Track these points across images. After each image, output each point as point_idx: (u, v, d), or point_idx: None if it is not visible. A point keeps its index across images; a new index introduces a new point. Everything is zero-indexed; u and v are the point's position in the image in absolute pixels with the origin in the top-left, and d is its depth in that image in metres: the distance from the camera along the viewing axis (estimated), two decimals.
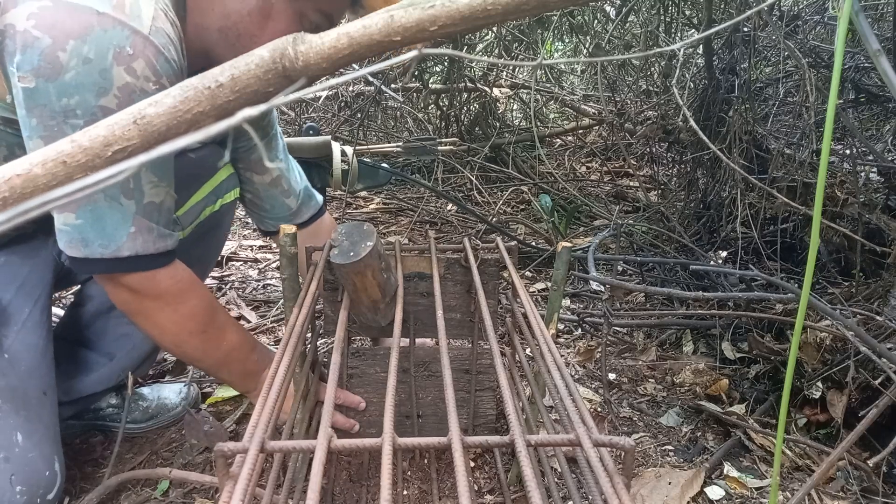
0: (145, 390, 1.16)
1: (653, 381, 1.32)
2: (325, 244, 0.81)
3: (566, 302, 1.68)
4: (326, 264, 0.80)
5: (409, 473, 1.00)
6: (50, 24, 0.65)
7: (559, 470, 0.90)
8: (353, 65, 0.47)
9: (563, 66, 3.07)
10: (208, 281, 1.67)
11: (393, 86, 2.60)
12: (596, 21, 2.46)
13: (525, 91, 2.91)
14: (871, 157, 1.52)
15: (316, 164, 1.42)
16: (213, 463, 1.01)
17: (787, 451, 1.07)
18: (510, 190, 2.51)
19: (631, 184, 2.72)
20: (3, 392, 0.82)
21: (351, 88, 2.64)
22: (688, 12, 2.18)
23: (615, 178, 2.81)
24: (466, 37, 2.46)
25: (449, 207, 2.39)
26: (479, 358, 0.99)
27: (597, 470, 0.41)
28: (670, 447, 1.11)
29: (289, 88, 0.46)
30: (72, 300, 1.14)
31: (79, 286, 1.14)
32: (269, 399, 0.49)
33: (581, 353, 1.40)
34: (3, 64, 0.68)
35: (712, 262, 1.62)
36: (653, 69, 2.62)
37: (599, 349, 1.37)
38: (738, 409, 1.19)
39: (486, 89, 2.65)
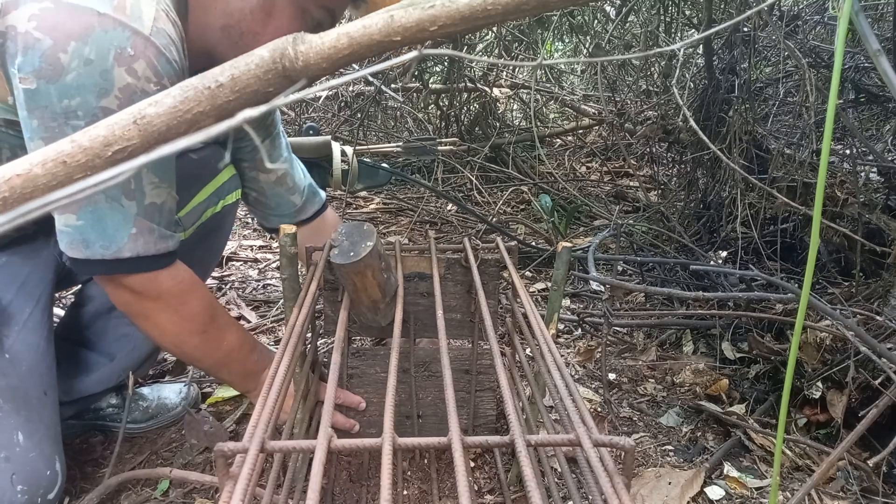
0: (145, 390, 1.16)
1: (653, 381, 1.32)
2: (325, 244, 0.81)
3: (566, 302, 1.68)
4: (326, 264, 0.80)
5: (409, 473, 1.00)
6: (51, 25, 0.65)
7: (559, 470, 0.90)
8: (353, 65, 0.47)
9: (563, 66, 3.07)
10: (208, 281, 1.67)
11: (393, 86, 2.60)
12: (596, 21, 2.46)
13: (525, 91, 2.91)
14: (871, 157, 1.52)
15: (316, 164, 1.42)
16: (213, 463, 1.01)
17: (787, 451, 1.07)
18: (510, 190, 2.52)
19: (631, 184, 2.72)
20: (4, 392, 0.82)
21: (351, 88, 2.64)
22: (688, 12, 2.18)
23: (615, 178, 2.81)
24: (466, 37, 2.46)
25: (449, 207, 2.39)
26: (480, 358, 0.99)
27: (597, 470, 0.41)
28: (670, 447, 1.11)
29: (289, 89, 0.46)
30: (72, 300, 1.14)
31: (79, 286, 1.14)
32: (269, 399, 0.49)
33: (581, 353, 1.40)
34: (4, 65, 0.68)
35: (712, 262, 1.62)
36: (653, 69, 2.62)
37: (599, 349, 1.37)
38: (738, 409, 1.19)
39: (486, 89, 2.66)
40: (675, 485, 0.98)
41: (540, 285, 1.78)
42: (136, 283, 0.82)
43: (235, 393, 1.18)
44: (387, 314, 0.85)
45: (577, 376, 1.33)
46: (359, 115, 2.62)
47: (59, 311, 1.23)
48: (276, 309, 1.59)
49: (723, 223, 1.69)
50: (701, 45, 1.74)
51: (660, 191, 2.40)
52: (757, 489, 1.01)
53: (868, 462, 0.98)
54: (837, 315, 1.04)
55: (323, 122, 2.80)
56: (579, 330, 1.50)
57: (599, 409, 1.20)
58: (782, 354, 1.18)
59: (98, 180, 0.23)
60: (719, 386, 1.24)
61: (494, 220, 2.16)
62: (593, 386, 1.29)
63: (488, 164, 2.55)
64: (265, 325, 1.51)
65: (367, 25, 0.44)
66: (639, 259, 1.73)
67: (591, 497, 0.45)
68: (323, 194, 1.22)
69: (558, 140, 3.28)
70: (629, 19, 2.36)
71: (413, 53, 0.37)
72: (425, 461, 1.02)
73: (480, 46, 2.80)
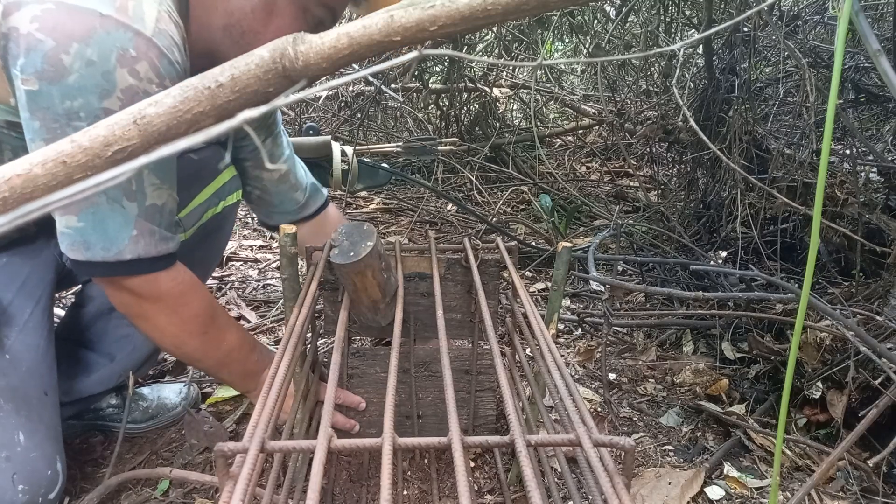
0: (145, 390, 1.16)
1: (653, 381, 1.32)
2: (325, 244, 0.81)
3: (566, 302, 1.68)
4: (326, 264, 0.80)
5: (409, 473, 1.00)
6: (53, 26, 0.65)
7: (559, 470, 0.90)
8: (353, 65, 0.48)
9: (563, 66, 3.07)
10: (208, 281, 1.67)
11: (393, 86, 2.60)
12: (596, 21, 2.46)
13: (525, 91, 2.91)
14: (871, 157, 1.52)
15: (316, 164, 1.42)
16: (213, 463, 1.01)
17: (787, 451, 1.07)
18: (510, 190, 2.52)
19: (631, 184, 2.72)
20: (5, 392, 0.82)
21: (351, 88, 2.64)
22: (688, 12, 2.18)
23: (615, 178, 2.81)
24: (466, 37, 2.46)
25: (449, 207, 2.39)
26: (480, 358, 0.99)
27: (597, 470, 0.41)
28: (670, 447, 1.11)
29: (289, 90, 0.46)
30: (73, 300, 1.14)
31: (80, 286, 1.14)
32: (269, 399, 0.49)
33: (581, 353, 1.40)
34: (6, 67, 0.68)
35: (712, 262, 1.62)
36: (653, 69, 2.62)
37: (599, 349, 1.37)
38: (738, 409, 1.19)
39: (486, 89, 2.66)
40: (675, 485, 0.98)
41: (540, 285, 1.78)
42: (137, 285, 0.82)
43: (235, 393, 1.18)
44: (387, 314, 0.85)
45: (577, 376, 1.33)
46: (359, 115, 2.62)
47: (59, 312, 1.23)
48: (276, 309, 1.59)
49: (723, 223, 1.70)
50: (701, 45, 1.74)
51: (660, 191, 2.40)
52: (757, 489, 1.01)
53: (868, 462, 0.98)
54: (837, 315, 1.04)
55: (323, 122, 2.80)
56: (579, 330, 1.50)
57: (599, 409, 1.20)
58: (782, 354, 1.18)
59: (98, 181, 0.23)
60: (719, 386, 1.24)
61: (494, 220, 2.16)
62: (593, 386, 1.29)
63: (488, 164, 2.55)
64: (265, 325, 1.51)
65: (367, 25, 0.44)
66: (639, 259, 1.73)
67: (591, 497, 0.45)
68: (325, 191, 1.22)
69: (558, 140, 3.28)
70: (629, 19, 2.36)
71: (413, 53, 0.37)
72: (425, 461, 1.02)
73: (480, 46, 2.80)
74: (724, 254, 1.67)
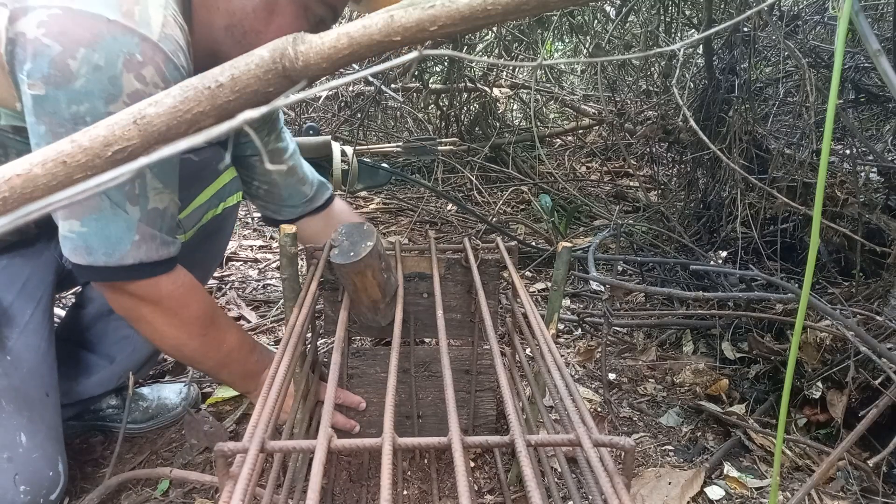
0: (145, 390, 1.16)
1: (653, 381, 1.32)
2: (325, 244, 0.81)
3: (566, 302, 1.68)
4: (326, 264, 0.80)
5: (409, 473, 1.00)
6: (60, 31, 0.65)
7: (559, 470, 0.90)
8: (353, 65, 0.48)
9: (563, 66, 3.07)
10: (209, 281, 1.67)
11: (393, 86, 2.60)
12: (596, 21, 2.46)
13: (525, 91, 2.91)
14: (871, 157, 1.52)
15: (316, 164, 1.41)
16: (213, 463, 1.01)
17: (787, 451, 1.07)
18: (510, 190, 2.52)
19: (631, 184, 2.72)
20: (7, 393, 0.82)
21: (351, 88, 2.64)
22: (688, 12, 2.18)
23: (615, 178, 2.81)
24: (466, 37, 2.46)
25: (449, 207, 2.39)
26: (480, 358, 0.99)
27: (597, 470, 0.41)
28: (670, 447, 1.11)
29: (289, 90, 0.46)
30: (73, 301, 1.14)
31: (80, 287, 1.14)
32: (269, 399, 0.49)
33: (581, 353, 1.40)
34: (12, 72, 0.68)
35: (712, 262, 1.62)
36: (653, 69, 2.62)
37: (599, 349, 1.37)
38: (738, 409, 1.19)
39: (486, 89, 2.66)
40: (675, 485, 0.98)
41: (540, 285, 1.78)
42: (137, 289, 0.82)
43: (235, 393, 1.18)
44: (387, 314, 0.85)
45: (577, 376, 1.33)
46: (359, 115, 2.62)
47: (59, 312, 1.23)
48: (276, 309, 1.59)
49: (723, 223, 1.70)
50: (701, 45, 1.74)
51: (660, 191, 2.40)
52: (757, 489, 1.01)
53: (868, 462, 0.98)
54: (837, 315, 1.04)
55: (323, 122, 2.80)
56: (579, 330, 1.50)
57: (599, 409, 1.20)
58: (782, 354, 1.18)
59: (99, 181, 0.23)
60: (719, 386, 1.24)
61: (494, 220, 2.16)
62: (593, 386, 1.29)
63: (488, 164, 2.55)
64: (265, 325, 1.51)
65: (367, 25, 0.44)
66: (639, 259, 1.74)
67: (591, 497, 0.45)
68: (329, 185, 1.22)
69: (558, 140, 3.28)
70: (629, 19, 2.36)
71: (413, 53, 0.37)
72: (425, 461, 1.02)
73: (480, 46, 2.80)
74: (724, 254, 1.67)
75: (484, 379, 1.00)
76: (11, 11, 0.66)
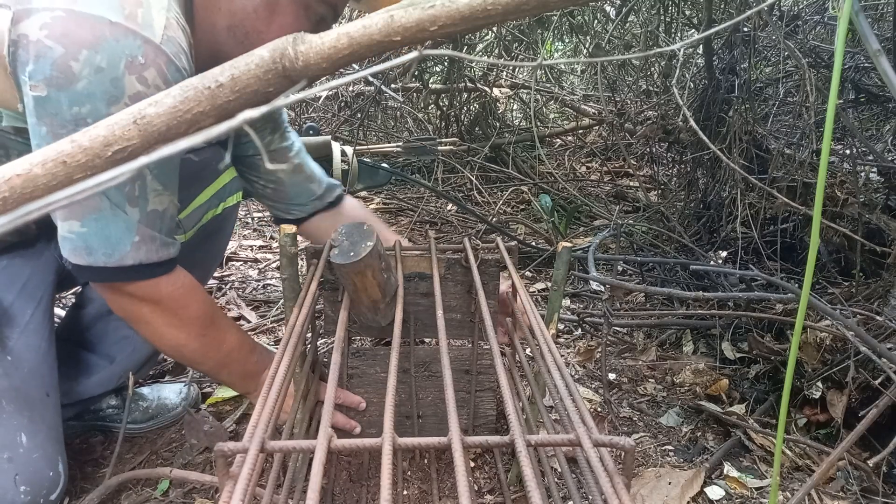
0: (145, 390, 1.16)
1: (653, 381, 1.32)
2: (325, 244, 0.81)
3: (566, 302, 1.68)
4: (326, 264, 0.80)
5: (409, 473, 1.00)
6: (62, 33, 0.65)
7: (559, 470, 0.90)
8: (353, 65, 0.48)
9: (563, 66, 3.07)
10: (209, 281, 1.67)
11: (393, 86, 2.60)
12: (596, 21, 2.46)
13: (525, 91, 2.91)
14: (871, 157, 1.52)
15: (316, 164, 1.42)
16: (213, 463, 1.01)
17: (787, 451, 1.07)
18: (510, 190, 2.52)
19: (631, 184, 2.72)
20: (7, 393, 0.82)
21: (351, 88, 2.64)
22: (688, 12, 2.18)
23: (615, 178, 2.81)
24: (466, 37, 2.46)
25: (449, 207, 2.39)
26: (480, 358, 0.99)
27: (597, 470, 0.41)
28: (670, 447, 1.11)
29: (289, 90, 0.46)
30: (73, 301, 1.14)
31: (80, 288, 1.14)
32: (269, 399, 0.49)
33: (581, 353, 1.40)
34: (15, 73, 0.68)
35: (712, 262, 1.62)
36: (653, 69, 2.62)
37: (599, 349, 1.37)
38: (738, 409, 1.19)
39: (486, 89, 2.66)
40: (675, 485, 0.98)
41: (540, 285, 1.78)
42: (137, 290, 0.82)
43: (235, 393, 1.18)
44: (387, 314, 0.85)
45: (577, 376, 1.33)
46: (359, 115, 2.62)
47: (59, 312, 1.23)
48: (276, 309, 1.59)
49: (723, 223, 1.70)
50: (701, 45, 1.74)
51: (660, 191, 2.40)
52: (757, 489, 1.01)
53: (868, 462, 0.98)
54: (837, 315, 1.04)
55: (323, 122, 2.80)
56: (579, 330, 1.50)
57: (599, 409, 1.20)
58: (782, 354, 1.18)
59: (98, 181, 0.23)
60: (719, 386, 1.24)
61: (494, 220, 2.16)
62: (593, 386, 1.29)
63: (488, 164, 2.55)
64: (265, 325, 1.51)
65: (367, 25, 0.44)
66: (639, 259, 1.74)
67: (591, 497, 0.45)
68: (339, 183, 1.21)
69: (558, 140, 3.28)
70: (629, 19, 2.36)
71: (413, 53, 0.37)
72: (425, 461, 1.02)
73: (480, 46, 2.80)
74: (724, 254, 1.67)
75: (484, 379, 1.00)
76: (14, 13, 0.66)
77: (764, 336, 1.25)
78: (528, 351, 1.00)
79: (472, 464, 1.03)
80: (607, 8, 2.47)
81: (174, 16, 0.71)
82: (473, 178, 2.42)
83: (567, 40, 3.10)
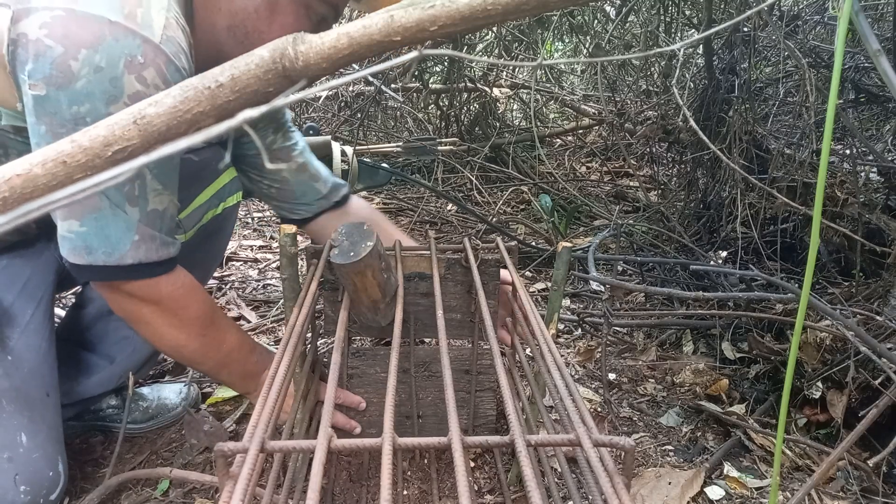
0: (145, 390, 1.16)
1: (653, 381, 1.32)
2: (325, 244, 0.81)
3: (566, 302, 1.68)
4: (326, 264, 0.80)
5: (409, 473, 1.00)
6: (62, 33, 0.65)
7: (559, 470, 0.90)
8: (353, 65, 0.48)
9: (563, 66, 3.07)
10: (208, 281, 1.67)
11: (393, 86, 2.60)
12: (596, 21, 2.46)
13: (525, 91, 2.91)
14: (871, 157, 1.52)
15: None
16: (213, 463, 1.01)
17: (787, 451, 1.07)
18: (510, 190, 2.52)
19: (631, 184, 2.72)
20: (8, 393, 0.82)
21: (351, 88, 2.64)
22: (688, 12, 2.18)
23: (615, 178, 2.81)
24: (466, 37, 2.46)
25: (449, 207, 2.39)
26: (480, 358, 0.99)
27: (597, 470, 0.41)
28: (670, 447, 1.11)
29: (289, 90, 0.46)
30: (73, 301, 1.14)
31: (80, 288, 1.14)
32: (269, 399, 0.49)
33: (581, 353, 1.40)
34: (14, 72, 0.69)
35: (712, 262, 1.62)
36: (653, 69, 2.62)
37: (599, 349, 1.37)
38: (738, 409, 1.19)
39: (486, 89, 2.66)
40: (675, 485, 0.98)
41: (540, 285, 1.78)
42: (137, 289, 0.82)
43: (235, 393, 1.18)
44: (387, 314, 0.85)
45: (577, 376, 1.33)
46: (359, 115, 2.62)
47: (59, 312, 1.23)
48: (276, 309, 1.59)
49: (723, 223, 1.70)
50: (701, 45, 1.74)
51: (660, 191, 2.40)
52: (757, 489, 1.01)
53: (868, 462, 0.98)
54: (837, 315, 1.04)
55: (323, 122, 2.80)
56: (579, 330, 1.50)
57: (599, 409, 1.20)
58: (782, 354, 1.18)
59: (98, 180, 0.23)
60: (719, 386, 1.24)
61: (494, 220, 2.16)
62: (593, 386, 1.29)
63: (488, 164, 2.55)
64: (265, 325, 1.51)
65: (367, 25, 0.44)
66: (639, 259, 1.74)
67: (591, 497, 0.45)
68: (345, 182, 1.20)
69: (558, 140, 3.28)
70: (629, 19, 2.36)
71: (413, 53, 0.37)
72: (425, 461, 1.02)
73: (480, 46, 2.80)
74: (724, 254, 1.67)
75: (484, 379, 1.00)
76: (14, 12, 0.66)
77: (764, 336, 1.25)
78: (528, 351, 1.00)
79: (472, 464, 1.03)
80: (607, 8, 2.47)
81: (174, 15, 0.71)
82: (473, 178, 2.42)
83: (567, 40, 3.10)
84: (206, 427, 1.08)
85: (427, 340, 1.12)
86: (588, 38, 2.46)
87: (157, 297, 0.83)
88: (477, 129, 2.75)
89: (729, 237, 1.67)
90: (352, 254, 0.74)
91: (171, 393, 1.16)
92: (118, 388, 1.10)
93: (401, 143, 1.87)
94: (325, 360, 1.06)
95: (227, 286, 1.73)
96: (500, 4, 0.43)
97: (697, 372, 1.30)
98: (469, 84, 2.63)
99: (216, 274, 1.80)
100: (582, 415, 0.48)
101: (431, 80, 2.81)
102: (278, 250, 1.16)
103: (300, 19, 0.80)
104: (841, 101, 1.53)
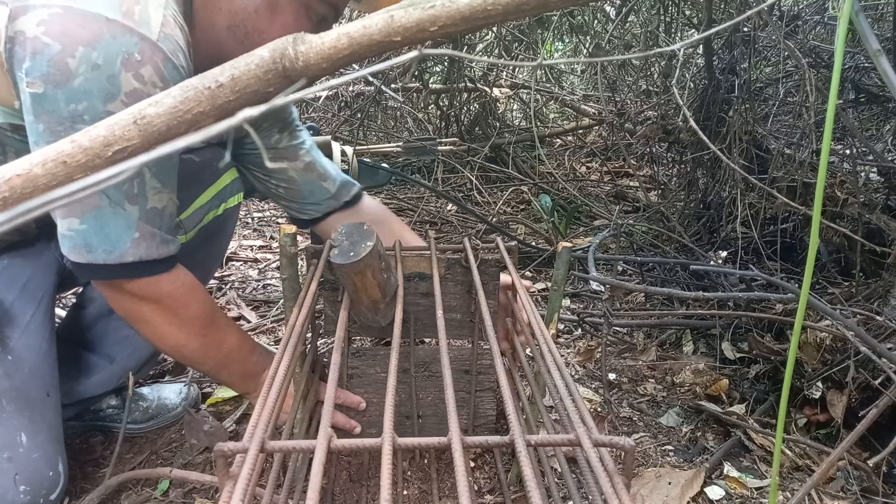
0: (145, 390, 1.16)
1: (653, 381, 1.32)
2: (325, 244, 0.81)
3: (566, 302, 1.68)
4: (326, 264, 0.80)
5: (409, 473, 1.00)
6: (60, 30, 0.65)
7: (559, 470, 0.90)
8: (353, 65, 0.47)
9: (563, 66, 3.07)
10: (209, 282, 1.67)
11: (393, 86, 2.60)
12: (596, 21, 2.46)
13: (525, 91, 2.91)
14: (871, 157, 1.52)
15: None
16: (213, 463, 1.01)
17: (787, 451, 1.07)
18: (510, 190, 2.52)
19: (631, 184, 2.72)
20: (8, 393, 0.82)
21: (351, 88, 2.64)
22: (688, 12, 2.18)
23: (615, 178, 2.81)
24: (466, 37, 2.46)
25: (449, 207, 2.39)
26: (480, 358, 0.99)
27: (597, 470, 0.41)
28: (670, 447, 1.11)
29: (289, 90, 0.46)
30: (73, 301, 1.14)
31: (81, 288, 1.14)
32: (269, 399, 0.49)
33: (581, 353, 1.40)
34: (12, 70, 0.69)
35: (712, 262, 1.63)
36: (653, 69, 2.62)
37: (599, 349, 1.37)
38: (738, 409, 1.19)
39: (486, 89, 2.66)
40: (675, 485, 0.98)
41: (540, 285, 1.78)
42: (137, 288, 0.82)
43: (235, 393, 1.18)
44: (387, 314, 0.85)
45: (577, 376, 1.33)
46: (359, 115, 2.62)
47: (59, 312, 1.23)
48: (276, 309, 1.59)
49: (723, 223, 1.70)
50: (701, 45, 1.74)
51: (660, 191, 2.40)
52: (757, 489, 1.01)
53: (868, 462, 0.98)
54: (837, 315, 1.04)
55: (323, 122, 2.80)
56: (579, 330, 1.50)
57: (599, 409, 1.20)
58: (782, 354, 1.18)
59: (98, 178, 0.23)
60: (719, 386, 1.24)
61: (494, 220, 2.16)
62: (593, 386, 1.29)
63: (488, 164, 2.55)
64: (265, 325, 1.51)
65: (367, 25, 0.44)
66: (639, 259, 1.74)
67: (591, 497, 0.45)
68: (356, 182, 1.18)
69: (558, 140, 3.28)
70: (629, 19, 2.37)
71: (413, 53, 0.37)
72: (425, 461, 1.02)
73: (480, 46, 2.80)
74: (724, 254, 1.67)
75: (484, 379, 1.00)
76: (12, 10, 0.66)
77: (764, 336, 1.25)
78: (528, 351, 1.00)
79: (472, 464, 1.03)
80: (607, 8, 2.47)
81: (171, 13, 0.71)
82: (473, 178, 2.42)
83: (567, 40, 3.10)
84: (206, 427, 1.08)
85: (427, 340, 1.12)
86: (588, 38, 2.46)
87: (157, 296, 0.83)
88: (477, 129, 2.75)
89: (729, 237, 1.67)
90: (352, 254, 0.74)
91: (171, 393, 1.16)
92: (118, 388, 1.10)
93: (401, 143, 1.87)
94: (325, 360, 1.06)
95: (227, 286, 1.73)
96: (500, 4, 0.43)
97: (697, 372, 1.30)
98: (469, 84, 2.63)
99: (216, 274, 1.80)
100: (582, 415, 0.48)
101: (431, 80, 2.82)
102: (278, 250, 1.16)
103: (300, 19, 0.79)
104: (841, 101, 1.53)
